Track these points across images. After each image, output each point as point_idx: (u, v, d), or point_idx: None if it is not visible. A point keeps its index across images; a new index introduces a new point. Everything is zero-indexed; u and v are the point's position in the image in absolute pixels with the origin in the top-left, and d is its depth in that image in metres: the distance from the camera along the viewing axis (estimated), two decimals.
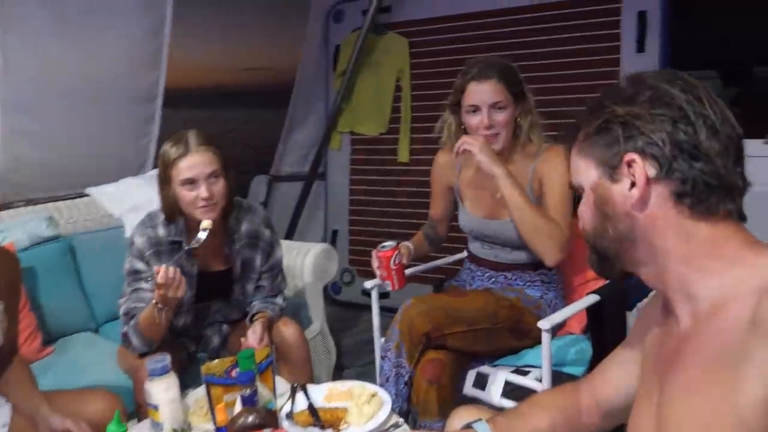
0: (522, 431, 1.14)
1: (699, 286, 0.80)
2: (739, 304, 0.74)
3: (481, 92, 1.71)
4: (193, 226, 1.75)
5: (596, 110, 0.86)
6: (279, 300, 1.97)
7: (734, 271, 0.77)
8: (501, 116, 1.72)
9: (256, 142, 4.36)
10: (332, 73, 3.59)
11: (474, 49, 3.08)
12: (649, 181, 0.81)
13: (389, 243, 1.73)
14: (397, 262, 1.70)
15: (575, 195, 0.96)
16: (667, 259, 0.82)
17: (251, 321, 1.89)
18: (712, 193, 0.79)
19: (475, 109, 1.72)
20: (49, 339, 2.09)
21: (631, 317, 1.91)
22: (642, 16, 2.65)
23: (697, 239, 0.80)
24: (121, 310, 1.77)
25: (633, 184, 0.82)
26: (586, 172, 0.88)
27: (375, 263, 1.73)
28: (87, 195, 2.56)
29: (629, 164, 0.82)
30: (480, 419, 1.14)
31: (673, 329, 0.85)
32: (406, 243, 1.89)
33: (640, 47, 2.65)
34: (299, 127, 3.76)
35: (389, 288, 1.71)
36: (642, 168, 0.81)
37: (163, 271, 1.56)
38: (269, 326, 1.88)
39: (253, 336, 1.78)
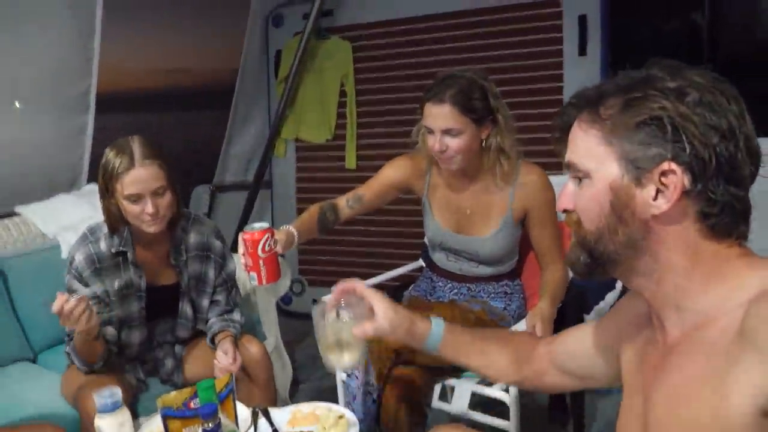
0: (470, 346, 1.15)
1: (692, 300, 0.78)
2: (728, 316, 0.72)
3: (434, 116, 1.63)
4: (138, 236, 1.71)
5: (638, 98, 0.75)
6: (236, 316, 1.89)
7: (727, 284, 0.75)
8: (454, 142, 1.64)
9: (194, 148, 4.20)
10: (274, 79, 3.50)
11: (417, 53, 3.10)
12: (680, 194, 0.74)
13: (260, 224, 1.41)
14: (267, 248, 1.38)
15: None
16: (666, 271, 0.79)
17: (212, 342, 1.82)
18: (735, 217, 0.75)
19: (430, 130, 1.67)
20: None
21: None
22: (582, 20, 2.71)
23: (703, 256, 0.77)
24: (66, 329, 1.68)
25: (658, 193, 0.75)
26: (603, 164, 0.78)
27: (240, 248, 1.40)
28: (17, 214, 2.37)
29: (664, 173, 0.74)
30: (440, 320, 1.15)
31: (658, 339, 0.83)
32: (288, 227, 1.62)
33: (582, 50, 2.72)
34: (241, 135, 3.64)
35: (255, 282, 1.39)
36: (680, 181, 0.73)
37: (58, 301, 1.43)
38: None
39: (225, 357, 1.71)
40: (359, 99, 3.29)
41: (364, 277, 2.15)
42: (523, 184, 1.72)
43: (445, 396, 1.75)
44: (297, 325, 3.42)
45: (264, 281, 1.37)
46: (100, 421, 1.28)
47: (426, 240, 2.00)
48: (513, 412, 1.61)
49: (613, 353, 0.98)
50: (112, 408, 1.28)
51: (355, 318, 1.08)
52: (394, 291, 2.19)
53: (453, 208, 1.81)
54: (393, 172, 1.87)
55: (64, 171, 2.67)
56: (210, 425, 1.16)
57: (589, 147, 0.79)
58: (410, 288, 2.02)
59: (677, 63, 0.77)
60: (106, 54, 2.62)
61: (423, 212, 1.89)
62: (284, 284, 2.50)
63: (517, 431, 1.63)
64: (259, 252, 1.37)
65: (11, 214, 2.36)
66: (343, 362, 1.13)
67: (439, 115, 1.62)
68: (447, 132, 1.63)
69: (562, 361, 1.09)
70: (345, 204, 1.85)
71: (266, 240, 1.36)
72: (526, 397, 1.69)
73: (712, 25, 2.89)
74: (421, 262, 2.17)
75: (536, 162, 1.79)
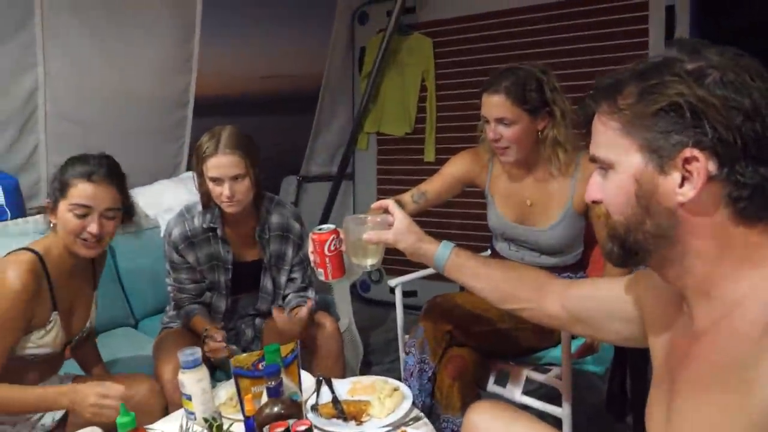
0: (475, 270, 1.22)
1: (721, 289, 0.76)
2: (759, 306, 0.71)
3: (488, 106, 1.70)
4: (226, 214, 1.91)
5: (655, 85, 0.74)
6: (310, 293, 2.06)
7: (757, 272, 0.73)
8: (507, 132, 1.69)
9: (284, 145, 4.45)
10: (358, 75, 3.64)
11: (498, 48, 3.10)
12: (706, 180, 0.72)
13: (327, 226, 1.48)
14: (333, 248, 1.45)
15: None
16: (696, 259, 0.77)
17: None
18: (766, 200, 0.72)
19: (486, 120, 1.73)
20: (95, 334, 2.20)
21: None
22: (670, 10, 2.63)
23: (733, 243, 0.74)
24: (170, 296, 1.99)
25: (684, 180, 0.73)
26: (625, 155, 0.77)
27: (309, 247, 1.49)
28: None
29: (687, 160, 0.72)
30: (450, 244, 1.26)
31: (686, 326, 0.82)
32: None
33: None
34: (327, 129, 3.83)
35: (321, 277, 1.48)
36: (704, 168, 0.71)
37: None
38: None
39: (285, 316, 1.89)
40: (439, 93, 3.36)
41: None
42: (584, 176, 1.73)
43: (500, 381, 1.80)
44: (374, 312, 3.56)
45: (330, 277, 1.46)
46: (182, 376, 1.46)
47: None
48: (566, 399, 1.64)
49: (633, 315, 0.98)
50: (193, 365, 1.46)
51: (376, 228, 1.29)
52: None
53: (514, 199, 1.85)
54: (455, 167, 1.96)
55: (166, 159, 2.97)
56: (272, 383, 1.29)
57: (609, 139, 0.79)
58: None
59: (697, 41, 0.75)
60: (204, 62, 2.88)
61: (486, 203, 1.94)
62: (358, 270, 2.62)
63: (570, 419, 1.66)
64: (326, 251, 1.45)
65: None
66: (364, 263, 1.33)
67: (493, 104, 1.68)
68: (500, 121, 1.69)
69: (575, 305, 1.10)
70: (410, 200, 1.95)
71: (332, 240, 1.44)
72: (582, 388, 1.70)
73: None
74: (488, 252, 2.22)
75: None
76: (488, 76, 1.74)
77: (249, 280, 2.02)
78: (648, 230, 0.78)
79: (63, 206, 1.51)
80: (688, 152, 0.72)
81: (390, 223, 1.28)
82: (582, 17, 2.87)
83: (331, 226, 1.51)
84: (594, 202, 0.85)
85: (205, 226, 1.92)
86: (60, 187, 1.52)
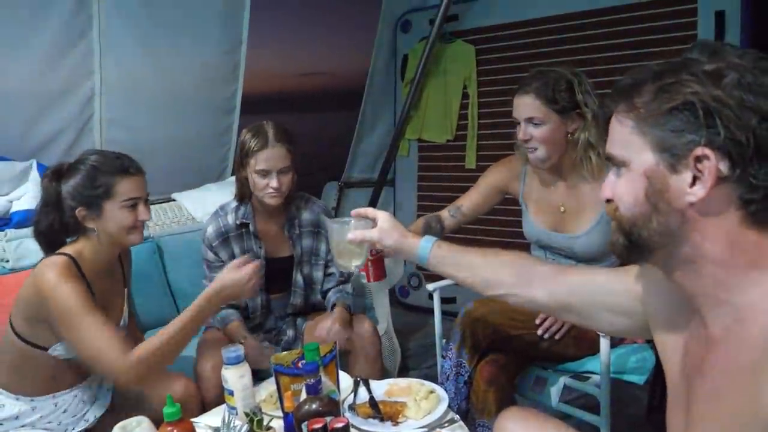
0: (457, 261, 1.21)
1: (733, 293, 0.75)
2: None
3: (518, 106, 1.71)
4: (258, 209, 1.99)
5: (671, 84, 0.74)
6: (349, 288, 2.10)
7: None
8: (536, 132, 1.69)
9: (326, 148, 4.53)
10: (400, 82, 3.68)
11: (541, 55, 3.07)
12: (716, 180, 0.72)
13: None
14: (375, 252, 1.47)
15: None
16: (706, 261, 0.76)
17: (332, 310, 2.02)
18: None
19: (518, 122, 1.74)
20: (141, 330, 2.28)
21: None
22: (720, 16, 2.57)
23: (745, 246, 0.74)
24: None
25: (695, 180, 0.73)
26: (638, 153, 0.77)
27: None
28: (173, 200, 2.78)
29: (698, 158, 0.72)
30: (433, 237, 1.25)
31: (700, 333, 0.81)
32: None
33: None
34: (368, 135, 3.88)
35: (364, 280, 1.55)
36: (714, 167, 0.71)
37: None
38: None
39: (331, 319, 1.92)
40: (481, 101, 3.37)
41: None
42: None
43: (538, 387, 1.79)
44: (413, 318, 3.58)
45: (371, 279, 1.52)
46: (225, 372, 1.51)
47: None
48: (604, 407, 1.62)
49: (632, 310, 0.97)
50: (236, 361, 1.51)
51: (359, 228, 1.29)
52: None
53: (547, 207, 1.85)
54: (491, 176, 1.98)
55: (213, 164, 3.07)
56: (311, 380, 1.32)
57: (624, 137, 0.79)
58: None
59: (719, 44, 0.75)
60: (250, 61, 2.96)
61: (522, 212, 1.94)
62: (397, 274, 2.65)
63: (608, 428, 1.63)
64: (368, 254, 1.48)
65: (168, 200, 2.78)
66: (350, 264, 1.34)
67: (523, 104, 1.70)
68: (530, 121, 1.69)
69: (564, 291, 1.08)
70: (448, 215, 1.99)
71: None
72: (622, 398, 1.67)
73: None
74: None
75: None
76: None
77: (282, 276, 2.06)
78: (654, 228, 0.78)
79: (111, 207, 1.53)
80: (700, 151, 0.71)
81: (373, 225, 1.28)
82: (627, 23, 2.83)
83: None
84: (607, 201, 0.84)
85: (238, 222, 1.98)
86: (103, 193, 1.53)
